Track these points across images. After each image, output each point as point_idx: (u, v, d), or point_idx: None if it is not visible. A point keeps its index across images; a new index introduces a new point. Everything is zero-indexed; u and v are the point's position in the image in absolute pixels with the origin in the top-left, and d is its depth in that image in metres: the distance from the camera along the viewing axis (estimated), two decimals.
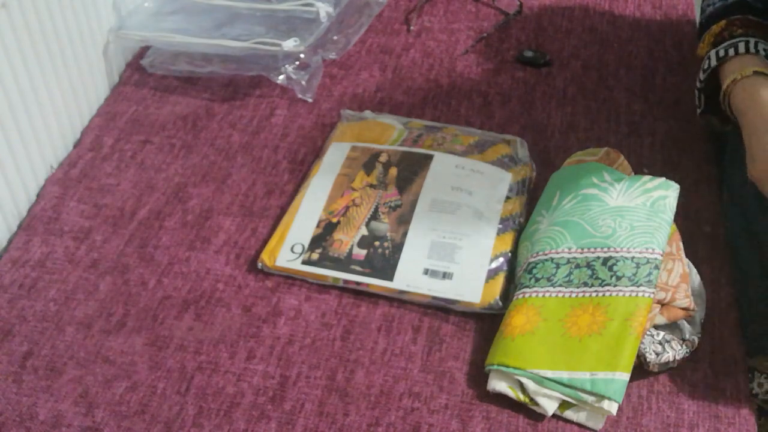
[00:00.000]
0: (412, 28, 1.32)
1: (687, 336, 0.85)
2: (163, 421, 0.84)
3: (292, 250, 0.96)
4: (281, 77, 1.16)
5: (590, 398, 0.81)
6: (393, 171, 1.03)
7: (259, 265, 0.96)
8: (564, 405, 0.83)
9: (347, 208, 1.00)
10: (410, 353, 0.89)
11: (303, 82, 1.17)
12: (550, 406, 0.82)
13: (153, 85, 1.21)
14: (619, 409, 0.82)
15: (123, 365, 0.88)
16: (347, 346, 0.90)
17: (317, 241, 0.97)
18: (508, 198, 1.00)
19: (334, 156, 1.06)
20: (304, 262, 0.95)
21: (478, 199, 0.99)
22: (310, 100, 1.18)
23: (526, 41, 1.29)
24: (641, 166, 1.06)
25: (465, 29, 1.31)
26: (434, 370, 0.88)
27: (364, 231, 0.97)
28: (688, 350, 0.85)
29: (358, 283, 0.93)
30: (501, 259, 0.94)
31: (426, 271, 0.93)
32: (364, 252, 0.95)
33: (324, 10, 1.19)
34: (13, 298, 0.94)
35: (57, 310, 0.93)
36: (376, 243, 0.96)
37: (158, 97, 1.20)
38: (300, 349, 0.89)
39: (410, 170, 1.03)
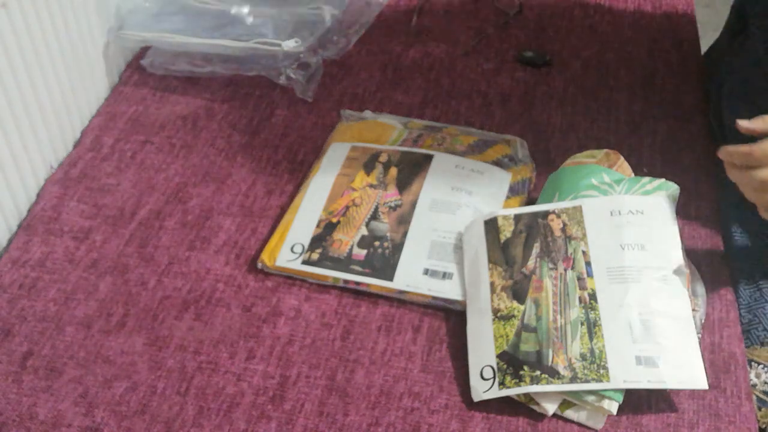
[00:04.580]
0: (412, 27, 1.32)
1: None
2: (163, 421, 0.84)
3: (292, 250, 0.96)
4: (281, 77, 1.16)
5: (591, 397, 0.81)
6: (393, 171, 1.03)
7: (259, 265, 0.96)
8: (564, 404, 0.83)
9: (347, 208, 0.99)
10: (410, 353, 0.89)
11: (303, 82, 1.17)
12: (550, 406, 0.82)
13: (153, 85, 1.21)
14: (619, 408, 0.82)
15: (123, 365, 0.88)
16: (347, 346, 0.90)
17: (317, 241, 0.97)
18: (508, 197, 1.00)
19: (334, 156, 1.06)
20: (304, 262, 0.95)
21: (478, 199, 0.99)
22: (310, 100, 1.18)
23: (526, 41, 1.28)
24: (641, 167, 1.06)
25: (465, 29, 1.31)
26: (434, 370, 0.88)
27: (364, 231, 0.97)
28: None
29: (358, 283, 0.93)
30: None
31: (426, 271, 0.93)
32: (364, 252, 0.95)
33: (329, 13, 1.20)
34: (13, 298, 0.94)
35: (57, 310, 0.93)
36: (376, 243, 0.96)
37: (158, 97, 1.20)
38: (300, 349, 0.89)
39: (410, 170, 1.03)
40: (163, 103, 1.19)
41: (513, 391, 0.82)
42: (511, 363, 0.83)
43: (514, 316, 0.86)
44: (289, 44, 1.16)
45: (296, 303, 0.94)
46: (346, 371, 0.88)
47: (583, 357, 0.82)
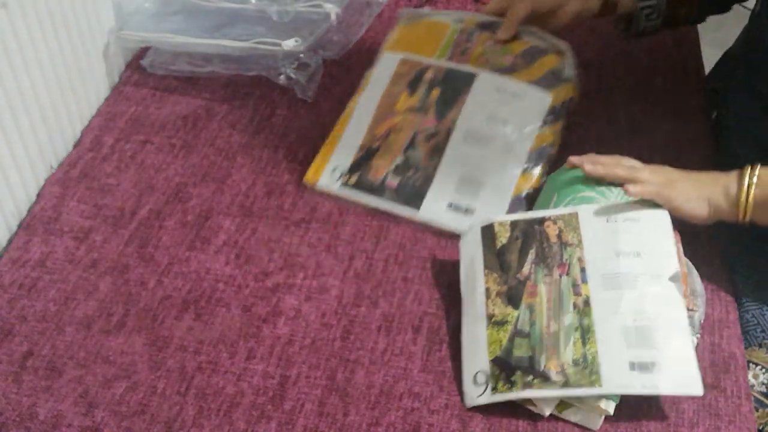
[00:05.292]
0: None
1: None
2: (163, 421, 0.84)
3: (333, 172, 1.02)
4: (281, 77, 1.16)
5: (588, 398, 0.81)
6: (435, 92, 1.05)
7: (303, 183, 1.03)
8: (562, 405, 0.83)
9: (389, 133, 1.04)
10: (410, 353, 0.89)
11: (303, 82, 1.17)
12: (546, 408, 0.82)
13: (153, 85, 1.21)
14: (619, 408, 0.82)
15: (123, 365, 0.88)
16: (347, 346, 0.90)
17: (357, 166, 1.03)
18: (544, 124, 1.01)
19: (383, 71, 1.09)
20: (342, 185, 1.02)
21: (511, 130, 1.01)
22: (310, 100, 1.18)
23: None
24: None
25: None
26: (434, 370, 0.88)
27: (400, 158, 1.02)
28: None
29: (387, 210, 1.00)
30: (521, 199, 0.98)
31: (450, 205, 0.98)
32: (397, 180, 1.01)
33: (334, 12, 1.21)
34: (13, 298, 0.94)
35: (57, 310, 0.93)
36: (410, 172, 1.01)
37: (158, 97, 1.20)
38: (300, 349, 0.89)
39: (451, 92, 1.05)
40: (163, 103, 1.19)
41: (505, 396, 0.82)
42: (504, 368, 0.83)
43: (507, 321, 0.86)
44: (289, 44, 1.16)
45: (296, 303, 0.94)
46: (346, 371, 0.88)
47: (575, 363, 0.82)
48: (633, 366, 0.80)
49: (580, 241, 0.89)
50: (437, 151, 1.01)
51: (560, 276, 0.87)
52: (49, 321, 0.92)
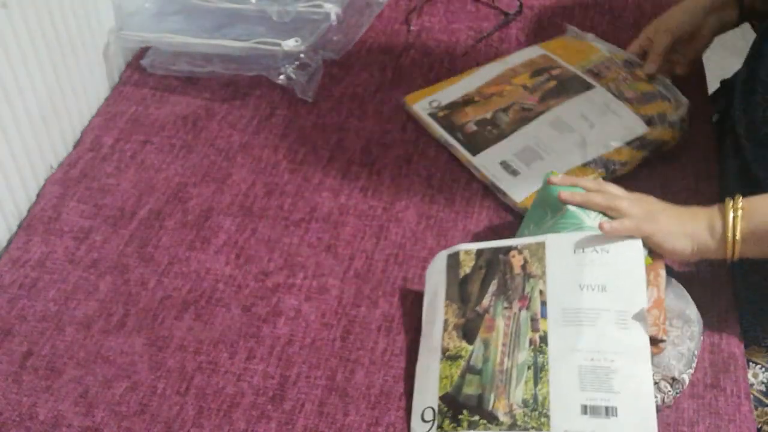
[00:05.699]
0: (412, 28, 1.32)
1: (677, 375, 0.81)
2: (163, 421, 0.84)
3: (431, 103, 1.14)
4: (281, 77, 1.16)
5: None
6: (551, 83, 1.13)
7: (403, 101, 1.15)
8: None
9: (493, 95, 1.13)
10: (410, 353, 0.89)
11: (303, 82, 1.17)
12: None
13: (153, 85, 1.21)
14: None
15: (123, 365, 0.88)
16: (347, 346, 0.90)
17: (451, 106, 1.13)
18: (627, 145, 1.04)
19: (522, 55, 1.20)
20: (429, 114, 1.12)
21: (593, 132, 1.06)
22: (310, 100, 1.18)
23: (526, 41, 1.28)
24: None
25: (465, 29, 1.31)
26: None
27: (489, 115, 1.10)
28: (678, 391, 0.82)
29: (451, 146, 1.09)
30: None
31: (503, 163, 1.05)
32: (475, 128, 1.09)
33: (334, 12, 1.21)
34: (13, 298, 0.94)
35: (57, 310, 0.93)
36: (489, 127, 1.09)
37: (158, 97, 1.20)
38: (300, 349, 0.89)
39: (565, 89, 1.12)
40: (163, 103, 1.19)
41: None
42: (452, 406, 0.80)
43: (461, 356, 0.82)
44: (289, 44, 1.16)
45: (296, 303, 0.94)
46: (346, 371, 0.88)
47: (525, 403, 0.78)
48: (585, 409, 0.76)
49: (543, 273, 0.84)
50: (522, 122, 1.09)
51: (520, 310, 0.83)
52: (49, 321, 0.92)
